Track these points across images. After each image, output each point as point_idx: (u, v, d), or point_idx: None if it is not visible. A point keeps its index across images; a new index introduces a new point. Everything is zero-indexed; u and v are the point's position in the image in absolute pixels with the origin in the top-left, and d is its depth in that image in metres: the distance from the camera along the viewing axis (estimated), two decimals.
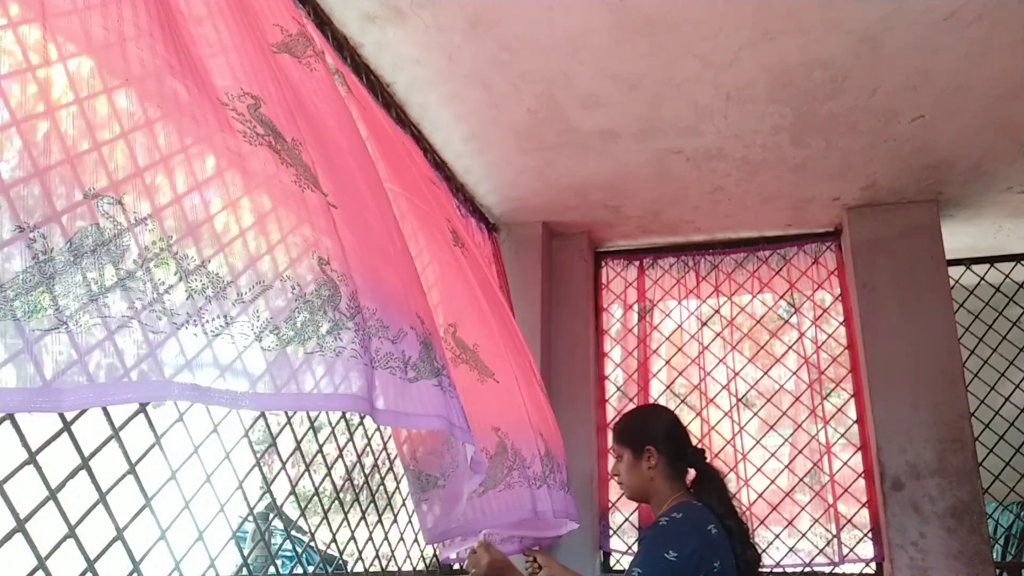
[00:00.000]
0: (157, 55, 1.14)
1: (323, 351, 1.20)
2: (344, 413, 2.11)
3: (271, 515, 6.48)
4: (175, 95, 1.15)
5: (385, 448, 2.33)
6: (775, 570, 3.42)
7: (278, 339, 1.15)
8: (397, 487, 2.41)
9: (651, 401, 3.73)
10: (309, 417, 2.05)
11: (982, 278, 3.77)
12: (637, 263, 3.97)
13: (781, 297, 3.77)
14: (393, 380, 1.37)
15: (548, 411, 2.60)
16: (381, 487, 2.32)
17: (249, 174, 1.22)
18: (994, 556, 3.51)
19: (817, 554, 3.38)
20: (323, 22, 2.17)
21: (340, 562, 2.31)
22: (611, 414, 3.77)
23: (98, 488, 1.35)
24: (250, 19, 1.46)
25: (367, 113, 2.13)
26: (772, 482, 3.50)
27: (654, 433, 2.01)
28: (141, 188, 1.06)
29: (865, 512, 3.36)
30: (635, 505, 3.61)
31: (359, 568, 2.11)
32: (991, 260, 3.77)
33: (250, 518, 1.89)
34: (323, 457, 2.04)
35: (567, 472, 2.70)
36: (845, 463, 3.45)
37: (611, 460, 2.13)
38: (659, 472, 1.98)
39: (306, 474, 1.96)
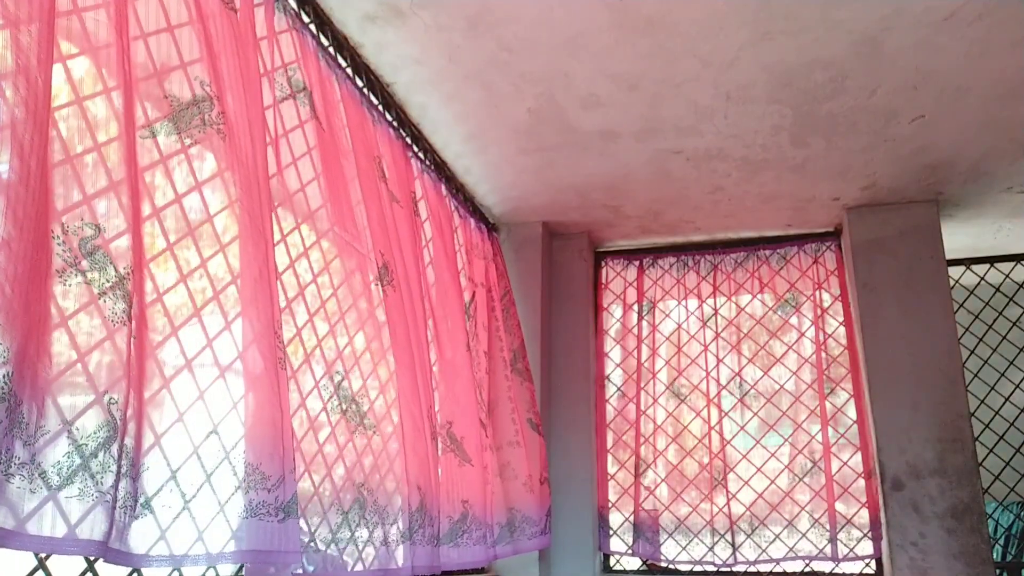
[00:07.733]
0: (32, 172, 1.12)
1: (82, 496, 1.18)
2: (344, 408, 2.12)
3: None
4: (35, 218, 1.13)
5: (385, 449, 2.34)
6: (775, 570, 3.42)
7: (43, 483, 1.14)
8: (397, 487, 2.42)
9: (651, 400, 3.73)
10: (308, 418, 2.05)
11: (982, 278, 3.77)
12: (637, 263, 3.97)
13: (781, 297, 3.77)
14: (124, 522, 1.31)
15: (435, 460, 2.49)
16: (381, 487, 2.32)
17: (59, 310, 1.20)
18: (994, 556, 3.51)
19: (817, 554, 3.38)
20: (323, 22, 2.17)
21: (341, 562, 2.30)
22: (611, 414, 3.77)
23: None
24: (131, 95, 1.36)
25: (327, 137, 2.09)
26: (772, 482, 3.51)
27: None
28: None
29: (865, 512, 3.36)
30: (634, 505, 3.61)
31: (359, 568, 2.11)
32: (991, 260, 3.77)
33: None
34: (323, 457, 2.04)
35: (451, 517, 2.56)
36: (845, 463, 3.45)
37: None
38: None
39: (306, 474, 1.96)
